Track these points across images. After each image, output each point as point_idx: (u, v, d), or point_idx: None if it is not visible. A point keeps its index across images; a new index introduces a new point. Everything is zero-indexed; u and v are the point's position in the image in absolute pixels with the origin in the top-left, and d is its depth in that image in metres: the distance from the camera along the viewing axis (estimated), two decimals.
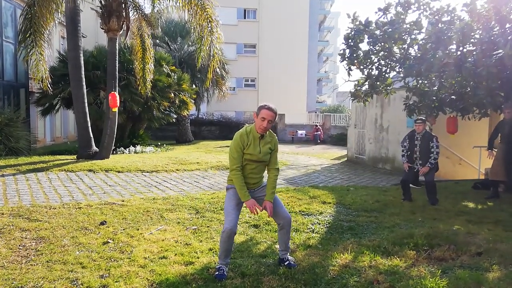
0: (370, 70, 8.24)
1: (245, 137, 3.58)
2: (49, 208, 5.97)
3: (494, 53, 6.64)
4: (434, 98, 7.90)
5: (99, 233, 4.89)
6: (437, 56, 6.81)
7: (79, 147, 12.10)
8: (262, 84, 33.13)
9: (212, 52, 11.48)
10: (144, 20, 12.67)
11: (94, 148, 11.83)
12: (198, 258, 4.10)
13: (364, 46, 8.20)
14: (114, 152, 13.63)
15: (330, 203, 6.82)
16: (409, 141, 7.05)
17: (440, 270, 3.75)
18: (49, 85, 11.07)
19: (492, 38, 6.86)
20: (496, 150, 7.86)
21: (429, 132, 7.05)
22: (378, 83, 8.32)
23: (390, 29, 7.68)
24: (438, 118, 8.62)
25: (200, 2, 11.10)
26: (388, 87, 8.56)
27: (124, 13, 11.74)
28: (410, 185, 7.31)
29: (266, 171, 3.85)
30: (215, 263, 3.84)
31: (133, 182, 8.47)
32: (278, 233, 3.91)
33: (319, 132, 24.73)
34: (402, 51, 8.01)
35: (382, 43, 7.84)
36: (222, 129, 27.86)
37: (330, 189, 8.20)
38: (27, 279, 3.49)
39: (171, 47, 24.35)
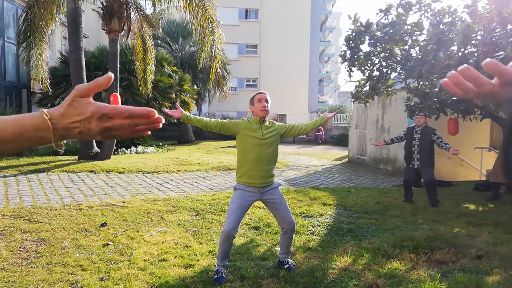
0: (371, 72, 8.23)
1: (246, 119, 3.80)
2: (50, 210, 5.99)
3: (496, 54, 6.61)
4: (436, 99, 7.88)
5: (99, 235, 4.90)
6: (438, 57, 6.80)
7: (80, 148, 12.12)
8: (263, 84, 33.08)
9: (213, 52, 11.48)
10: (146, 21, 12.67)
11: (96, 148, 11.86)
12: (197, 260, 4.10)
13: (365, 47, 8.20)
14: (116, 152, 13.65)
15: (330, 204, 6.81)
16: (407, 134, 6.97)
17: (439, 274, 3.73)
18: (48, 86, 11.08)
19: (494, 39, 6.84)
20: (498, 151, 7.83)
21: (429, 127, 6.91)
22: (379, 84, 8.30)
23: (391, 30, 7.66)
24: (438, 120, 8.59)
25: (201, 3, 11.10)
26: (389, 88, 8.54)
27: (125, 14, 11.74)
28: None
29: (274, 170, 3.81)
30: (214, 265, 3.84)
31: (134, 183, 8.48)
32: (280, 237, 3.90)
33: (321, 133, 24.69)
34: (403, 52, 7.99)
35: (383, 44, 7.83)
36: None
37: (331, 190, 8.19)
38: (27, 281, 3.50)
39: (173, 48, 24.37)
